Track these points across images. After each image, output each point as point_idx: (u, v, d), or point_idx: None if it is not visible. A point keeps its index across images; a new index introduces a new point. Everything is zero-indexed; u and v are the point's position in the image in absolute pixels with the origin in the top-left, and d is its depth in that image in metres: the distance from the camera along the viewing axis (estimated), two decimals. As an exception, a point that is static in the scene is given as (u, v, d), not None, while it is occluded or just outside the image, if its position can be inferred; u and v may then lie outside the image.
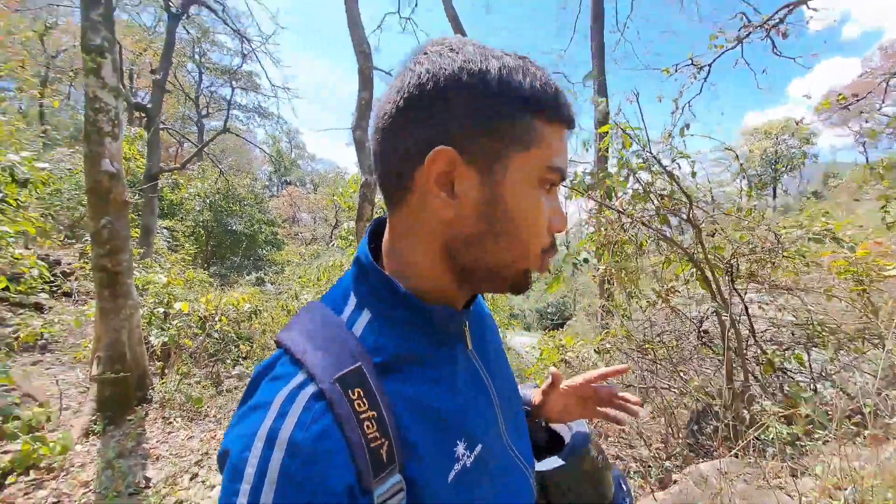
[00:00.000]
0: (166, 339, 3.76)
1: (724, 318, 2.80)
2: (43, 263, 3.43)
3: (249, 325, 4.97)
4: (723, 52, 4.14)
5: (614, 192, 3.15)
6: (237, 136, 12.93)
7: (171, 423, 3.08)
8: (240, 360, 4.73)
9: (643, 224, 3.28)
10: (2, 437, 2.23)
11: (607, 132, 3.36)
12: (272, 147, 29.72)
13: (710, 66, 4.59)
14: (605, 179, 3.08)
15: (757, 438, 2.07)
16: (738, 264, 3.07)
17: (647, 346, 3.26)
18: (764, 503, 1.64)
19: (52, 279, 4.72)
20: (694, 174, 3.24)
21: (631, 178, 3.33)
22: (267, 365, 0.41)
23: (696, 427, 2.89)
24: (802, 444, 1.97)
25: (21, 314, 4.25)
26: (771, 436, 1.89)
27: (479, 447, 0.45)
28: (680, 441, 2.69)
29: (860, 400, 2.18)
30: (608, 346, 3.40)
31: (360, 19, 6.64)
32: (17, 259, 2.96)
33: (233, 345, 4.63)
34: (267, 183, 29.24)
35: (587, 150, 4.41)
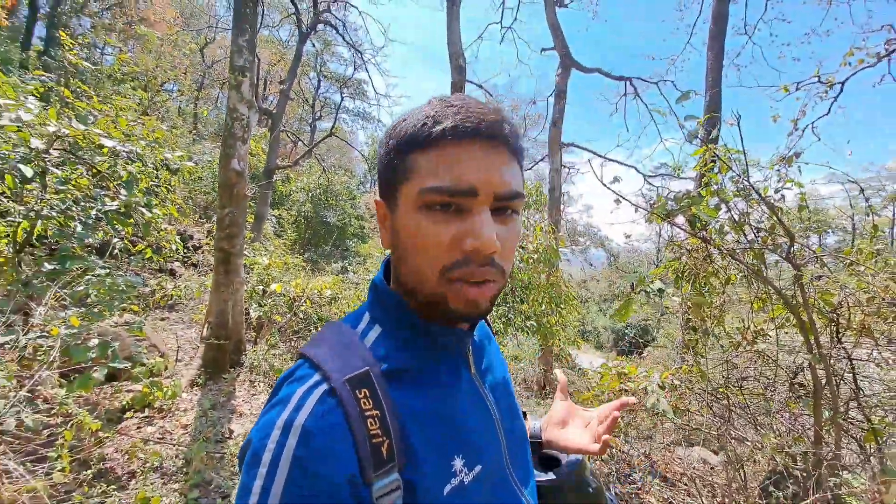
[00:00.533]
0: (261, 314, 4.38)
1: (819, 372, 2.44)
2: (179, 240, 4.22)
3: (329, 309, 5.52)
4: (859, 70, 3.49)
5: (699, 220, 2.90)
6: (341, 139, 14.28)
7: (255, 386, 3.61)
8: (318, 339, 5.25)
9: (732, 257, 2.98)
10: (128, 378, 2.84)
11: (715, 153, 3.11)
12: (370, 147, 32.05)
13: (842, 84, 3.89)
14: (691, 206, 2.86)
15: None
16: (849, 315, 2.64)
17: (721, 390, 2.96)
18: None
19: (185, 251, 5.74)
20: (802, 208, 2.86)
21: (724, 207, 3.05)
22: (289, 372, 0.47)
23: (772, 488, 2.56)
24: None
25: (159, 278, 5.27)
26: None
27: (478, 468, 0.47)
28: (746, 499, 2.41)
29: None
30: (677, 382, 3.14)
31: (458, 36, 6.94)
32: (162, 234, 3.72)
33: (313, 325, 5.20)
34: (362, 179, 31.61)
35: (678, 174, 4.11)
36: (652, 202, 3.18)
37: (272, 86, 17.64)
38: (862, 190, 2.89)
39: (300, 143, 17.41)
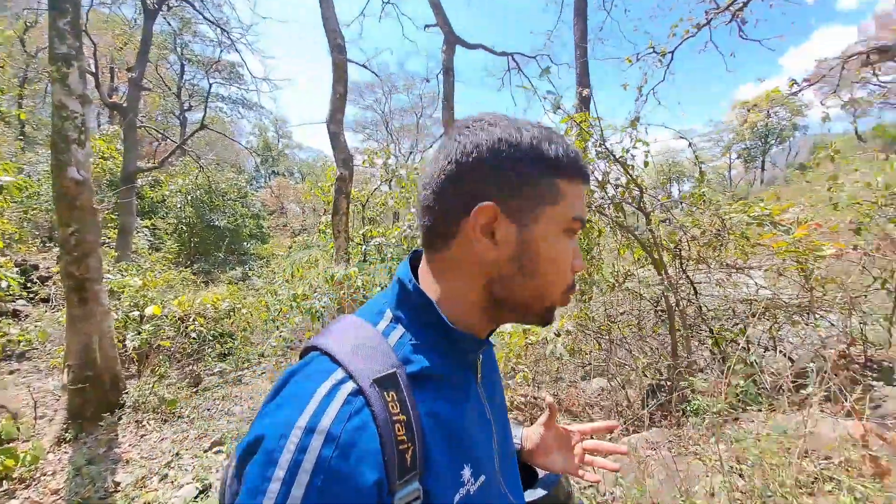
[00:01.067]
0: (140, 342, 3.83)
1: (671, 298, 2.92)
2: (14, 276, 3.45)
3: (229, 323, 5.05)
4: (684, 40, 4.15)
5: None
6: (215, 131, 12.72)
7: (143, 426, 3.17)
8: (222, 357, 4.83)
9: (599, 212, 3.37)
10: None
11: (577, 123, 3.40)
12: (259, 138, 29.23)
13: (672, 53, 4.59)
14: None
15: (683, 411, 2.20)
16: (688, 248, 3.18)
17: (604, 328, 3.40)
18: (681, 469, 1.78)
19: (26, 286, 4.72)
20: (647, 164, 3.31)
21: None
22: (301, 365, 0.44)
23: (651, 401, 3.05)
24: (739, 412, 2.11)
25: (-5, 323, 4.30)
26: (695, 407, 2.02)
27: (482, 478, 0.48)
28: (631, 414, 2.84)
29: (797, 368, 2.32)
30: (570, 328, 3.53)
31: (334, 12, 6.55)
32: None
33: (212, 343, 4.72)
34: (254, 174, 28.92)
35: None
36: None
37: (122, 74, 14.96)
38: (690, 143, 3.45)
39: (168, 139, 15.20)
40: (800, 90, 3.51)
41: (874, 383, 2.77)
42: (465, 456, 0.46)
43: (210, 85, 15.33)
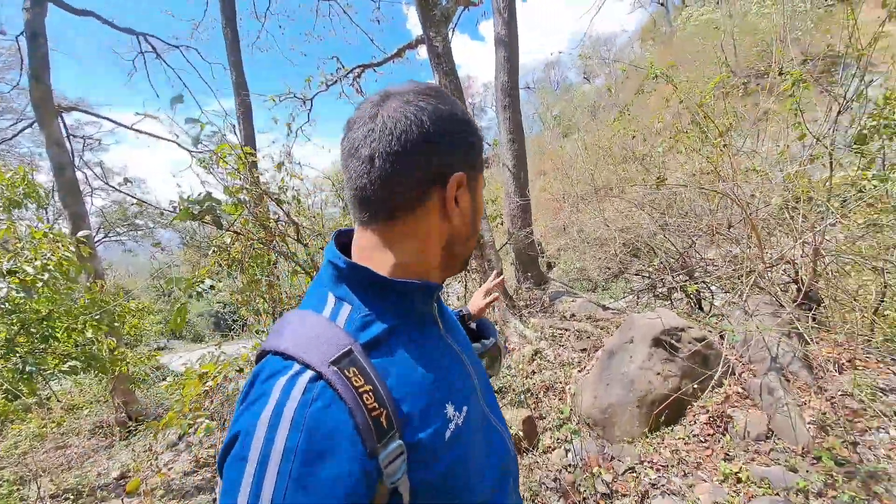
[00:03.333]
0: None
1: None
2: None
3: None
4: (318, 93, 4.93)
5: (222, 219, 3.17)
6: None
7: None
8: None
9: (260, 243, 3.52)
10: None
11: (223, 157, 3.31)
12: None
13: (311, 100, 5.31)
14: (211, 208, 3.05)
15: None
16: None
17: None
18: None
19: None
20: (298, 200, 3.73)
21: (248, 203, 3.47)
22: (259, 369, 0.44)
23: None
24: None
25: None
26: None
27: (465, 408, 0.52)
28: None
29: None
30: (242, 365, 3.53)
31: None
32: None
33: None
34: None
35: (209, 171, 4.17)
36: (175, 205, 3.12)
37: None
38: (333, 183, 4.14)
39: None
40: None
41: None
42: (443, 396, 0.49)
43: None
